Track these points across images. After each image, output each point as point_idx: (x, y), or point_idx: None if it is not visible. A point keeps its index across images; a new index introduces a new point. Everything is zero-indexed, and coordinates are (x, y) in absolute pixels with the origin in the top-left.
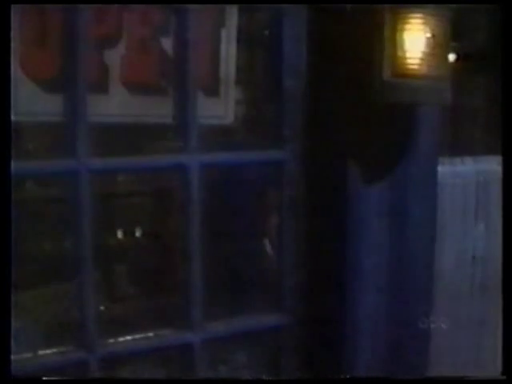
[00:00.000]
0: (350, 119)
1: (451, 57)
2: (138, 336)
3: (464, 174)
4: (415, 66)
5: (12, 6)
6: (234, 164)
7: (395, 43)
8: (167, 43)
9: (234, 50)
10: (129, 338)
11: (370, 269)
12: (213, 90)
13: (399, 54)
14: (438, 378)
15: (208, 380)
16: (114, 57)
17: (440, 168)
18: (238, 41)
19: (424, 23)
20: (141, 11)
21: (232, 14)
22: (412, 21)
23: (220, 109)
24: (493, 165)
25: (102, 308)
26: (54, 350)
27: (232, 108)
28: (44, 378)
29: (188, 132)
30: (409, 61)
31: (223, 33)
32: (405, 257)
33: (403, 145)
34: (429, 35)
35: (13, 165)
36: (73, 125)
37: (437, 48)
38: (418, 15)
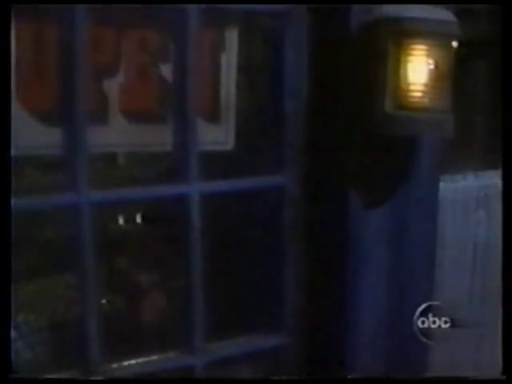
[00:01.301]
0: (350, 145)
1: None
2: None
3: (465, 190)
4: (418, 99)
5: (12, 6)
6: (235, 191)
7: (398, 74)
8: (166, 70)
9: (234, 75)
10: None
11: (370, 292)
12: (213, 116)
13: (402, 85)
14: (438, 378)
15: (208, 380)
16: (113, 85)
17: (441, 185)
18: (238, 65)
19: (427, 54)
20: (139, 38)
21: (232, 38)
22: (415, 52)
23: (220, 134)
24: (494, 179)
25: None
26: None
27: (232, 133)
28: (44, 378)
29: (188, 160)
30: (411, 93)
31: (223, 58)
32: (405, 280)
33: (404, 170)
34: (432, 67)
35: (12, 200)
36: (72, 157)
37: (440, 79)
38: (422, 46)
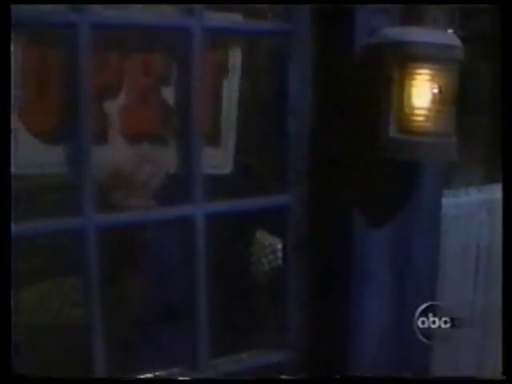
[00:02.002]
0: (353, 166)
1: None
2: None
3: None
4: (421, 123)
5: (12, 6)
6: (240, 211)
7: (402, 98)
8: (168, 92)
9: (235, 97)
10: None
11: (374, 310)
12: (212, 140)
13: (406, 109)
14: (438, 378)
15: (208, 380)
16: (115, 107)
17: (444, 200)
18: (242, 86)
19: (431, 79)
20: (142, 60)
21: (235, 60)
22: (419, 76)
23: (219, 158)
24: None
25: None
26: None
27: (231, 157)
28: (44, 378)
29: (192, 182)
30: (415, 117)
31: (225, 82)
32: (408, 298)
33: (407, 189)
34: (436, 91)
35: (16, 225)
36: (77, 180)
37: (443, 103)
38: (426, 71)
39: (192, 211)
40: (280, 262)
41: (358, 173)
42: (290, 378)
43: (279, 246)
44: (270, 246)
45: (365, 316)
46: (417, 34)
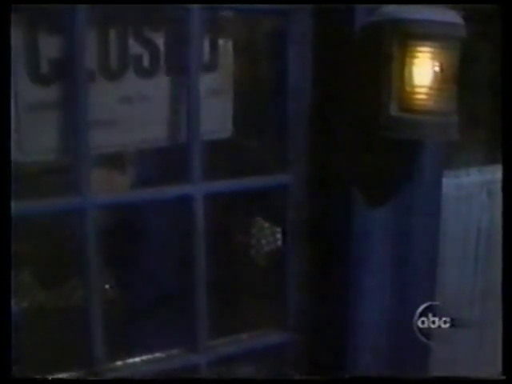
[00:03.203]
0: (353, 146)
1: None
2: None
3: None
4: (423, 102)
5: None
6: (239, 190)
7: (403, 77)
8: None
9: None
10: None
11: (373, 288)
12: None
13: (407, 88)
14: (438, 378)
15: (208, 380)
16: None
17: (444, 180)
18: (241, 64)
19: (433, 57)
20: None
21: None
22: (420, 54)
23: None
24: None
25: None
26: None
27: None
28: (44, 378)
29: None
30: (417, 96)
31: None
32: (408, 277)
33: (407, 168)
34: (437, 69)
35: (15, 204)
36: (75, 160)
37: (445, 82)
38: (427, 48)
39: (191, 191)
40: (279, 243)
41: (358, 152)
42: (289, 379)
43: (278, 228)
44: (269, 228)
45: (364, 296)
46: (417, 12)
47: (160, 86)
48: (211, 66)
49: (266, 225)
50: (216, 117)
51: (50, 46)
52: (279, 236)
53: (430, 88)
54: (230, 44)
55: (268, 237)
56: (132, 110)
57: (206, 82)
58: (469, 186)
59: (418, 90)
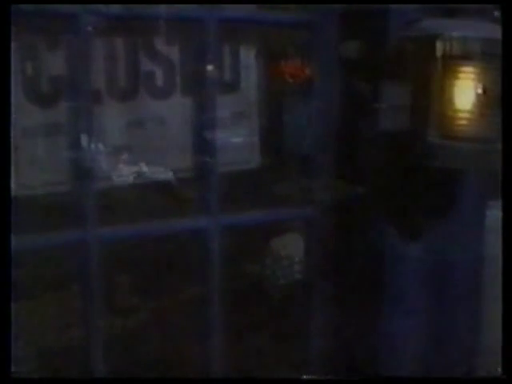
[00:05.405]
0: (385, 174)
1: None
2: None
3: None
4: (464, 127)
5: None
6: (259, 223)
7: (442, 99)
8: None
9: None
10: None
11: (406, 335)
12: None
13: (448, 112)
14: (438, 378)
15: (209, 380)
16: None
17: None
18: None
19: (475, 77)
20: None
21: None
22: (462, 75)
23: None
24: None
25: None
26: None
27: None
28: (44, 378)
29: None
30: (458, 121)
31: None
32: (445, 324)
33: (446, 200)
34: (480, 91)
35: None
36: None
37: (488, 105)
38: (470, 69)
39: (206, 223)
40: (297, 276)
41: (392, 182)
42: (289, 378)
43: (297, 259)
44: (286, 258)
45: (397, 342)
46: (460, 27)
47: (175, 108)
48: (232, 86)
49: (283, 254)
50: (239, 144)
51: (50, 61)
52: (297, 268)
53: (472, 112)
54: (252, 59)
55: (285, 268)
56: (143, 136)
57: (226, 103)
58: None
59: (458, 114)
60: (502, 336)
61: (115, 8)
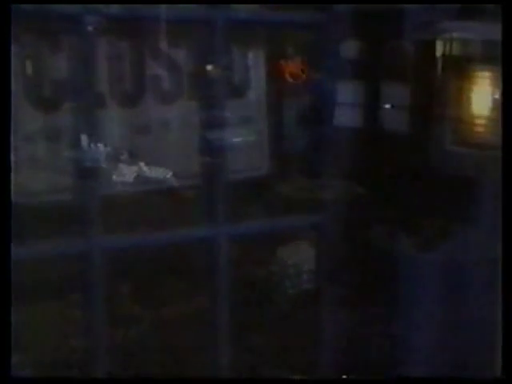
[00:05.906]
0: (399, 181)
1: None
2: None
3: None
4: (481, 134)
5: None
6: (268, 232)
7: (459, 105)
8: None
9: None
10: None
11: (419, 344)
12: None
13: (464, 118)
14: (438, 378)
15: (210, 380)
16: None
17: None
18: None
19: (493, 83)
20: None
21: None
22: (479, 80)
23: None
24: None
25: None
26: None
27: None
28: (44, 378)
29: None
30: (475, 128)
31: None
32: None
33: (462, 208)
34: (498, 96)
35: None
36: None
37: None
38: (487, 73)
39: (212, 233)
40: (306, 286)
41: (406, 189)
42: (289, 378)
43: (306, 268)
44: (294, 267)
45: (410, 352)
46: (477, 31)
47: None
48: (240, 89)
49: (290, 263)
50: (249, 151)
51: (53, 64)
52: (306, 277)
53: (490, 118)
54: (259, 60)
55: (292, 278)
56: (149, 141)
57: (235, 108)
58: None
59: (476, 120)
60: (502, 336)
61: (118, 9)
